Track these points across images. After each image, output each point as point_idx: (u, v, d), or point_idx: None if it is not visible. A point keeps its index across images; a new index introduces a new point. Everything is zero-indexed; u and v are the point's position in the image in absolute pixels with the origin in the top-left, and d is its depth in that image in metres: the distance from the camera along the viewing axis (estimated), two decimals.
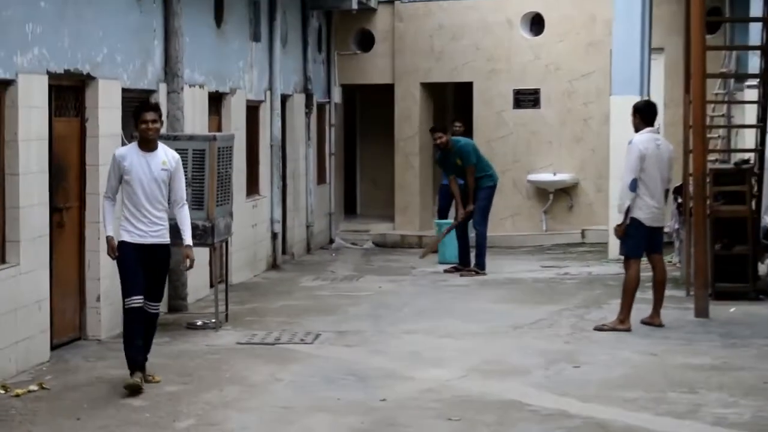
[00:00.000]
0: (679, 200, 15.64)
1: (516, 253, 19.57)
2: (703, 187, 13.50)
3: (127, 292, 9.68)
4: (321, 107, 20.88)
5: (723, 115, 18.98)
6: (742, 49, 18.41)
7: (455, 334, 12.19)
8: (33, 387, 9.75)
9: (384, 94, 22.24)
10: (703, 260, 13.22)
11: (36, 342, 10.58)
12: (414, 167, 21.64)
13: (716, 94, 18.96)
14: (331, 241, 21.10)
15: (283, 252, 18.20)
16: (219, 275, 13.56)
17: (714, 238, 13.97)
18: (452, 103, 23.68)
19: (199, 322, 12.66)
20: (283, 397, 9.57)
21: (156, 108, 10.03)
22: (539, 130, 21.24)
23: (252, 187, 16.82)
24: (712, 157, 16.20)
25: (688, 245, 14.46)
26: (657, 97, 18.92)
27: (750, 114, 17.08)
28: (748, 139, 17.22)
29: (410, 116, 21.79)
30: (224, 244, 13.36)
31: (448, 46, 21.53)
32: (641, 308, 12.50)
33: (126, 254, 9.69)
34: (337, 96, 21.94)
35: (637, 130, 12.40)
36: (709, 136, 16.35)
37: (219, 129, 15.34)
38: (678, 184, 15.58)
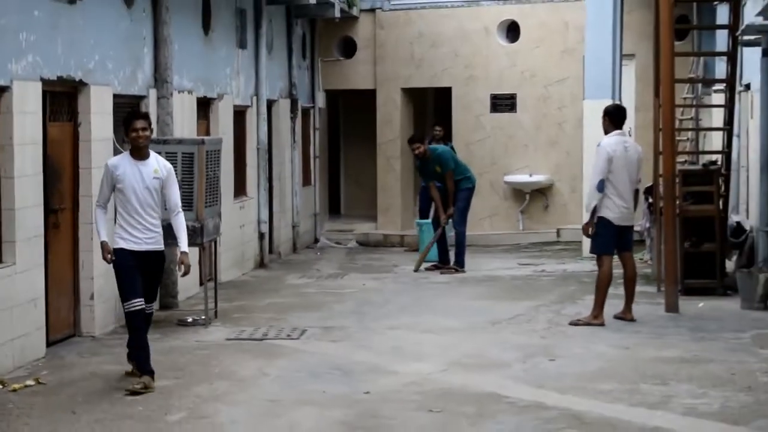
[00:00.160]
0: (650, 200, 15.69)
1: (494, 251, 19.58)
2: (672, 187, 13.54)
3: (126, 297, 9.58)
4: (305, 112, 20.87)
5: (691, 119, 19.05)
6: (709, 55, 18.49)
7: (436, 330, 12.20)
8: (29, 382, 9.73)
9: (366, 99, 22.24)
10: (672, 257, 13.26)
11: (32, 338, 10.55)
12: (395, 170, 21.65)
13: (685, 99, 19.03)
14: (317, 240, 21.09)
15: (270, 251, 18.18)
16: (208, 274, 13.54)
17: (683, 237, 14.02)
18: (432, 107, 23.70)
19: (190, 319, 12.64)
20: (270, 390, 9.56)
21: (145, 116, 9.92)
22: (516, 134, 21.26)
23: (240, 189, 16.80)
24: (681, 158, 16.26)
25: (658, 243, 14.50)
26: (628, 101, 18.98)
27: (717, 117, 17.18)
28: (715, 141, 17.30)
29: (391, 120, 21.79)
30: (213, 244, 13.33)
31: (427, 53, 21.53)
32: (614, 304, 12.53)
33: (123, 259, 9.56)
34: (321, 101, 21.94)
35: (606, 132, 12.43)
36: (678, 138, 16.42)
37: (207, 133, 15.32)
38: (648, 185, 15.63)
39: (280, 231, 18.85)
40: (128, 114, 10.01)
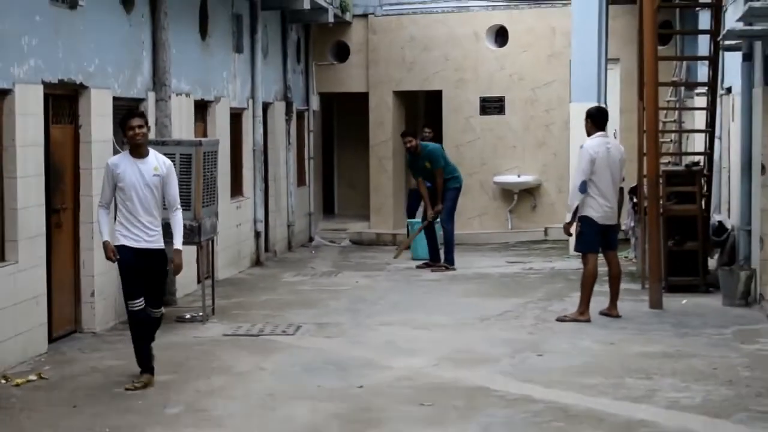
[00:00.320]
0: (635, 200, 15.72)
1: (483, 249, 19.59)
2: (656, 187, 13.56)
3: (127, 297, 9.53)
4: (300, 114, 20.86)
5: (674, 121, 19.07)
6: (691, 60, 18.51)
7: (427, 326, 12.20)
8: (32, 377, 9.73)
9: (359, 102, 22.22)
10: (656, 256, 13.28)
11: (34, 335, 10.54)
12: (387, 170, 21.63)
13: (668, 101, 19.04)
14: (311, 239, 21.07)
15: (266, 250, 18.17)
16: (206, 271, 13.53)
17: (667, 235, 14.05)
18: (423, 110, 23.69)
19: (188, 316, 12.64)
20: (266, 385, 9.56)
21: (141, 114, 9.81)
22: (504, 135, 21.27)
23: (236, 189, 16.79)
24: (664, 159, 16.27)
25: (643, 242, 14.52)
26: (613, 104, 19.02)
27: (699, 120, 17.21)
28: (697, 143, 17.33)
29: (384, 123, 21.77)
30: (210, 243, 13.33)
31: (419, 57, 21.53)
32: (600, 300, 12.54)
33: (125, 259, 9.44)
34: (315, 104, 21.93)
35: (589, 134, 12.45)
36: (661, 140, 16.43)
37: (204, 135, 15.30)
38: (633, 185, 15.66)
39: (276, 230, 18.84)
40: (124, 114, 9.89)
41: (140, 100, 13.00)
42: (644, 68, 13.89)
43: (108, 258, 9.53)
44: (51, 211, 11.08)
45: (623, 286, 12.99)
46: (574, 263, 15.84)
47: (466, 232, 20.35)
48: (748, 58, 13.72)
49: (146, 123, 9.63)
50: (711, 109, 15.37)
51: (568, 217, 12.40)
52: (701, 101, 16.84)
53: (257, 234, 17.61)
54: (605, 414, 8.46)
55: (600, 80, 17.46)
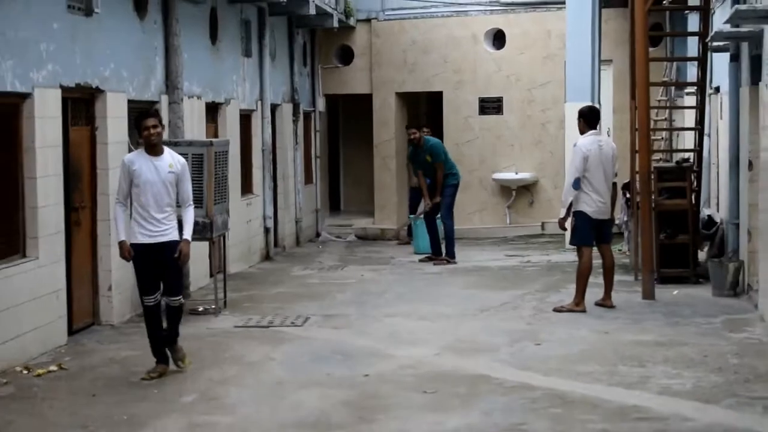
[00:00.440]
0: (627, 195, 15.72)
1: (483, 244, 19.59)
2: (648, 183, 13.57)
3: (142, 292, 9.50)
4: (307, 115, 20.86)
5: (665, 119, 19.06)
6: (681, 61, 18.50)
7: (430, 317, 12.21)
8: (53, 367, 9.75)
9: (363, 103, 22.22)
10: (649, 248, 13.28)
11: (55, 327, 10.57)
12: (391, 169, 21.63)
13: (659, 101, 19.03)
14: (318, 234, 21.08)
15: (275, 245, 18.19)
16: (218, 266, 13.55)
17: (658, 229, 14.05)
18: (424, 110, 23.69)
19: (201, 308, 12.65)
20: (276, 373, 9.58)
21: (155, 114, 9.68)
22: (502, 134, 21.26)
23: (246, 187, 16.80)
24: (656, 156, 16.26)
25: (635, 235, 14.53)
26: (606, 103, 19.02)
27: (689, 118, 17.21)
28: (687, 140, 17.34)
29: (387, 122, 21.78)
30: (222, 238, 13.34)
31: (420, 59, 21.52)
32: (595, 292, 12.55)
33: (139, 257, 9.39)
34: (321, 105, 21.93)
35: (582, 132, 12.46)
36: (653, 138, 16.43)
37: (215, 135, 15.31)
38: (626, 181, 15.67)
39: (285, 226, 18.86)
40: (139, 114, 9.80)
41: (154, 103, 13.00)
42: (636, 69, 13.89)
43: (123, 257, 9.48)
44: (70, 209, 11.11)
45: (617, 277, 13.00)
46: (570, 256, 15.84)
47: (467, 227, 20.38)
48: (735, 58, 13.72)
49: (160, 122, 9.56)
50: (700, 108, 15.37)
51: (563, 213, 12.40)
52: (691, 100, 16.84)
53: (267, 230, 17.62)
54: (600, 400, 8.48)
55: (594, 81, 17.47)
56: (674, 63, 19.16)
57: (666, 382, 9.02)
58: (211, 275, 13.79)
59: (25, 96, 10.11)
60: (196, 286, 13.89)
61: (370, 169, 22.12)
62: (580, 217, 12.25)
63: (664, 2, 16.74)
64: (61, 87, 10.70)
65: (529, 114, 21.11)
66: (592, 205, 12.21)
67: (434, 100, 22.19)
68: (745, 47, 13.07)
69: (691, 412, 8.12)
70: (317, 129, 21.64)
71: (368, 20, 21.76)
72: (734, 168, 13.78)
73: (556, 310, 12.37)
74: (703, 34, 14.99)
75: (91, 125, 11.68)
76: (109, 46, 11.77)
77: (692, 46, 16.87)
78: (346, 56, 22.10)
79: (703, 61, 15.19)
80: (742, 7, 10.39)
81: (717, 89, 15.89)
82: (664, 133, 18.69)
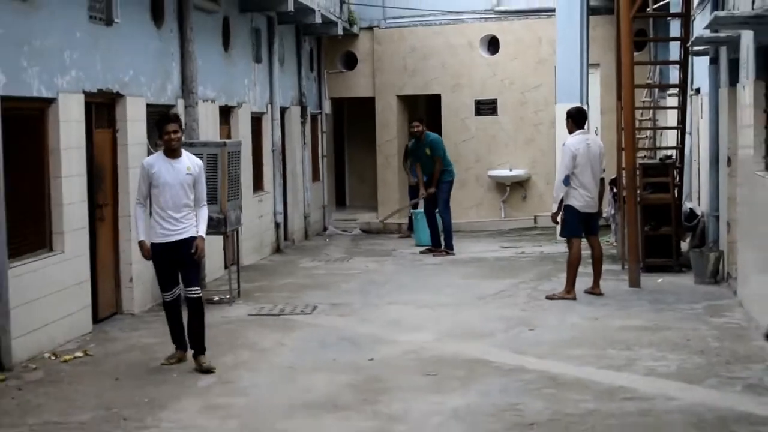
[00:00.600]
0: (614, 190, 15.71)
1: (479, 236, 19.58)
2: (633, 178, 13.57)
3: (161, 289, 9.40)
4: (314, 117, 20.86)
5: (649, 119, 19.05)
6: (664, 64, 18.49)
7: (430, 305, 12.21)
8: (78, 354, 9.76)
9: (366, 106, 22.23)
10: (634, 239, 13.28)
11: (80, 316, 10.58)
12: (392, 166, 21.63)
13: (643, 102, 19.02)
14: (325, 228, 21.08)
15: (285, 238, 18.19)
16: (231, 258, 13.52)
17: (643, 221, 14.04)
18: (424, 112, 23.66)
19: (216, 298, 12.66)
20: (287, 359, 9.58)
21: (176, 119, 9.52)
22: (497, 134, 21.26)
23: (258, 185, 16.80)
24: (640, 153, 16.27)
25: (622, 227, 14.53)
26: (594, 104, 19.05)
27: (671, 117, 17.18)
28: (670, 138, 17.31)
29: (388, 124, 21.78)
30: (235, 233, 13.34)
31: (419, 64, 21.52)
32: (585, 280, 12.55)
33: (157, 256, 9.23)
34: (327, 107, 21.93)
35: (570, 132, 12.45)
36: (638, 136, 16.43)
37: (228, 136, 15.32)
38: (613, 177, 15.65)
39: (294, 221, 18.86)
40: (160, 118, 9.70)
41: (170, 106, 13.01)
42: (622, 72, 13.87)
43: (143, 257, 9.36)
44: (94, 206, 11.12)
45: (605, 267, 13.00)
46: (561, 247, 15.84)
47: (464, 220, 20.39)
48: (714, 62, 13.71)
49: (181, 127, 9.44)
50: (682, 108, 15.35)
51: (554, 208, 12.40)
52: (673, 101, 16.81)
53: (277, 224, 17.62)
54: (590, 381, 8.48)
55: (582, 84, 17.47)
56: (657, 66, 19.15)
57: (652, 364, 9.02)
58: (226, 267, 13.79)
59: (50, 101, 10.11)
60: (211, 277, 13.90)
61: (374, 167, 22.14)
62: (569, 211, 12.25)
63: (648, 9, 16.71)
64: (84, 92, 10.70)
65: (522, 115, 21.11)
66: (581, 199, 12.21)
67: (433, 102, 22.19)
68: (723, 51, 13.05)
69: (676, 392, 8.12)
70: (324, 130, 21.63)
71: (371, 28, 21.77)
72: (714, 164, 13.76)
73: (548, 297, 12.36)
74: (684, 39, 14.97)
75: (113, 128, 11.68)
76: (129, 53, 11.77)
77: (674, 50, 16.84)
78: (350, 62, 22.10)
79: (684, 65, 15.18)
80: (721, 13, 10.35)
81: (697, 90, 15.88)
82: (648, 132, 18.67)
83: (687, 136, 15.92)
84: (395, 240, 19.30)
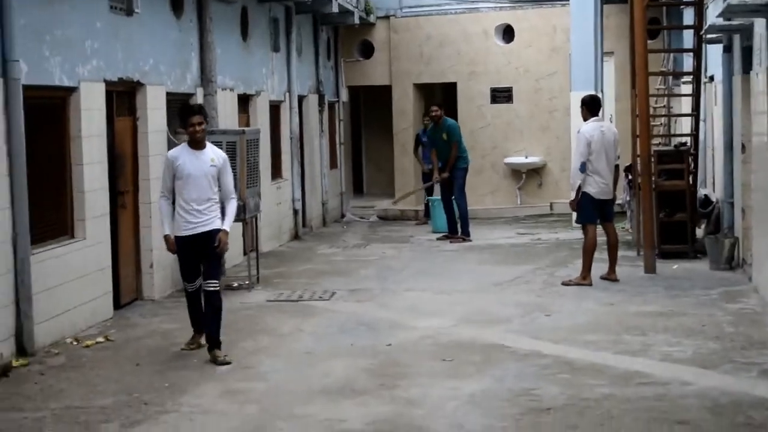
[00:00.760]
0: (629, 177, 15.64)
1: (495, 223, 19.53)
2: (648, 165, 13.49)
3: (184, 279, 9.31)
4: (331, 105, 20.83)
5: (664, 106, 18.97)
6: (677, 52, 18.37)
7: (447, 291, 12.18)
8: (100, 339, 9.78)
9: (383, 94, 22.18)
10: (650, 226, 13.22)
11: (101, 302, 10.59)
12: (409, 154, 21.53)
13: (657, 89, 18.92)
14: (343, 215, 21.06)
15: (303, 225, 18.17)
16: (251, 245, 13.53)
17: (659, 208, 13.97)
18: (440, 100, 23.57)
19: (235, 284, 12.66)
20: (306, 344, 9.57)
21: (201, 110, 9.28)
22: (513, 121, 21.19)
23: (276, 172, 16.78)
24: (655, 141, 16.18)
25: (637, 214, 14.44)
26: (608, 92, 18.94)
27: (686, 105, 17.09)
28: (684, 125, 17.22)
29: (405, 111, 21.74)
30: (254, 220, 13.34)
31: (435, 52, 21.45)
32: (600, 267, 12.48)
33: (181, 248, 9.09)
34: (344, 96, 21.89)
35: (585, 119, 12.40)
36: (652, 123, 16.33)
37: (247, 124, 15.30)
38: (628, 164, 15.58)
39: (312, 208, 18.84)
40: (185, 108, 9.51)
41: (190, 95, 12.99)
42: (636, 60, 13.79)
43: (169, 250, 9.22)
44: (116, 193, 11.12)
45: (620, 253, 12.94)
46: (577, 234, 15.78)
47: (480, 207, 20.32)
48: (727, 49, 13.62)
49: (205, 119, 9.27)
50: (696, 96, 15.27)
51: (572, 195, 12.33)
52: (687, 88, 16.72)
53: (295, 211, 17.60)
54: (606, 366, 8.44)
55: (596, 71, 17.40)
56: (671, 54, 19.04)
57: (667, 349, 8.97)
58: (245, 254, 13.79)
59: (72, 90, 10.11)
60: (230, 263, 13.89)
61: (391, 154, 22.11)
62: (585, 198, 12.19)
63: None
64: (105, 81, 10.69)
65: (537, 102, 21.03)
66: (595, 186, 12.16)
67: (449, 90, 22.10)
68: (737, 39, 12.96)
69: (691, 377, 8.07)
70: (341, 118, 21.61)
71: (387, 17, 21.71)
72: (728, 151, 13.69)
73: (564, 283, 12.31)
74: (697, 27, 14.87)
75: (133, 116, 11.67)
76: (149, 43, 11.75)
77: (688, 38, 16.73)
78: (367, 50, 22.05)
79: (698, 52, 15.08)
80: (734, 1, 10.25)
81: (711, 78, 15.78)
82: (662, 119, 18.59)
83: (701, 123, 15.83)
84: (412, 227, 19.25)
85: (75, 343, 9.63)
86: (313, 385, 8.13)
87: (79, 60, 10.16)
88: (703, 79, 15.80)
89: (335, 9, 18.17)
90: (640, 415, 7.13)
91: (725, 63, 13.71)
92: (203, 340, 9.24)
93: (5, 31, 8.81)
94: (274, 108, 16.86)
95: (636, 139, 14.39)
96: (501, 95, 21.20)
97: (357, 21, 20.08)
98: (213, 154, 9.19)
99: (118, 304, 11.06)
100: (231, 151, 12.03)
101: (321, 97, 19.62)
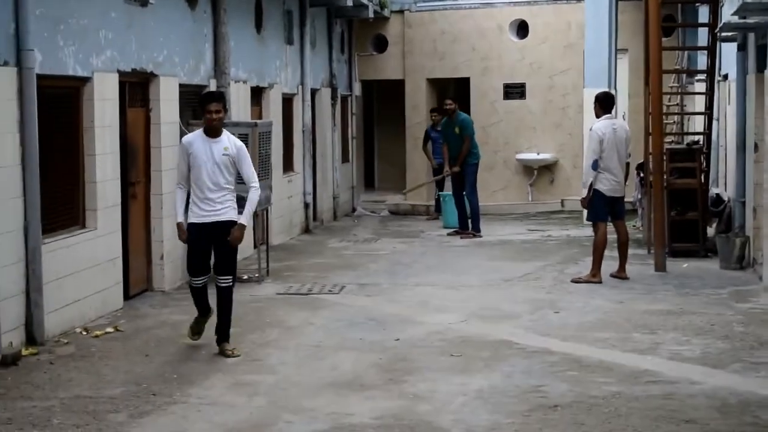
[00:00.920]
0: (641, 175, 15.60)
1: (506, 219, 19.49)
2: (660, 163, 13.46)
3: (190, 272, 9.05)
4: (344, 99, 20.82)
5: (677, 104, 18.92)
6: (691, 50, 18.32)
7: (457, 286, 12.17)
8: (109, 329, 9.79)
9: (396, 88, 22.17)
10: (661, 224, 13.19)
11: (111, 292, 10.60)
12: (421, 148, 21.56)
13: (671, 87, 18.88)
14: (354, 209, 21.06)
15: (314, 219, 18.17)
16: (261, 238, 13.53)
17: (670, 206, 13.94)
18: (453, 95, 23.57)
19: (245, 277, 12.66)
20: (315, 337, 9.57)
21: (219, 98, 9.01)
22: (525, 118, 21.16)
23: (288, 165, 16.79)
24: (668, 139, 16.14)
25: (648, 212, 14.41)
26: (622, 89, 18.90)
27: (699, 103, 17.05)
28: (697, 124, 17.18)
29: (418, 106, 21.73)
30: (265, 213, 13.34)
31: (449, 48, 21.43)
32: (610, 264, 12.46)
33: (191, 236, 8.87)
34: (357, 90, 21.88)
35: (597, 116, 12.37)
36: (665, 121, 16.28)
37: (260, 117, 15.29)
38: (640, 162, 15.55)
39: (323, 201, 18.84)
40: (204, 94, 9.34)
41: (203, 87, 12.98)
42: (650, 57, 13.75)
43: (180, 239, 9.08)
44: (127, 184, 11.12)
45: (631, 251, 12.92)
46: (587, 231, 15.75)
47: (491, 203, 20.29)
48: (742, 48, 13.57)
49: (224, 107, 9.01)
50: (709, 94, 15.23)
51: (584, 193, 12.30)
52: (701, 87, 16.68)
53: (306, 205, 17.61)
54: (614, 364, 8.42)
55: (610, 68, 17.35)
56: (685, 52, 18.98)
57: (676, 348, 8.95)
58: (255, 246, 13.79)
59: (85, 80, 10.12)
60: (241, 256, 13.76)
61: (403, 148, 22.09)
62: (596, 195, 12.17)
63: None
64: (118, 71, 10.70)
65: (550, 99, 21.00)
66: (607, 184, 12.13)
67: (462, 85, 22.08)
68: (751, 37, 12.92)
69: (700, 376, 8.05)
70: (353, 112, 21.60)
71: (401, 11, 21.70)
72: (741, 150, 13.64)
73: (574, 281, 12.30)
74: (712, 25, 14.83)
75: (146, 107, 11.67)
76: (162, 34, 11.75)
77: (702, 36, 16.69)
78: (381, 45, 22.04)
79: (712, 50, 15.04)
80: None
81: (725, 76, 15.73)
82: (675, 117, 18.54)
83: (714, 122, 15.80)
84: (423, 222, 19.24)
85: (84, 333, 9.65)
86: (321, 378, 8.13)
87: (93, 50, 10.17)
88: (717, 78, 15.76)
89: (350, 2, 18.17)
90: (647, 414, 7.11)
91: (739, 61, 13.67)
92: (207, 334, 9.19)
93: (20, 20, 8.82)
94: (287, 101, 16.85)
95: (648, 137, 14.36)
96: (514, 91, 21.18)
97: (371, 15, 20.07)
98: (228, 142, 8.93)
99: (127, 295, 11.07)
100: (243, 143, 12.01)
101: (334, 91, 19.62)
